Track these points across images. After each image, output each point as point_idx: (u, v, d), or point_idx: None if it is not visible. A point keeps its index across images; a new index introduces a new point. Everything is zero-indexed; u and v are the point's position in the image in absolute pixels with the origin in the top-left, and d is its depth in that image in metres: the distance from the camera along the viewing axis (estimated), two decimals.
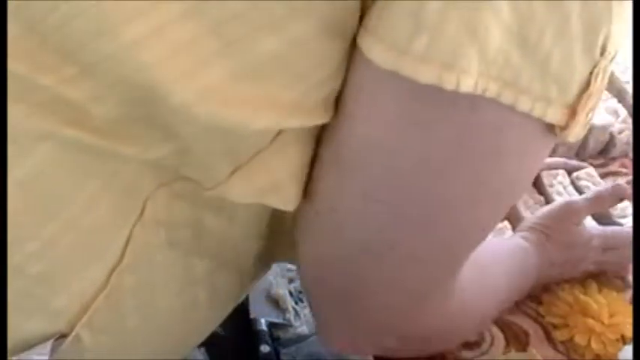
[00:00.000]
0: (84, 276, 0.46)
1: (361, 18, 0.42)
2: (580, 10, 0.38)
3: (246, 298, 0.76)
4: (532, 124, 0.42)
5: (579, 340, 0.70)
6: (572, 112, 0.41)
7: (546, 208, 0.75)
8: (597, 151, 0.92)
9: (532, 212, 0.78)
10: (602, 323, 0.71)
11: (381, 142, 0.43)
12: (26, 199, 0.43)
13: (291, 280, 0.79)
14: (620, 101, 0.93)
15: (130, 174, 0.45)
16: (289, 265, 0.79)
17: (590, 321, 0.71)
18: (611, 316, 0.71)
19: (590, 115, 0.43)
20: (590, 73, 0.41)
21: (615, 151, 0.92)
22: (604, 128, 0.90)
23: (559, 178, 0.84)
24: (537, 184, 0.83)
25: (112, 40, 0.40)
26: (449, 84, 0.39)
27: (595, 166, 0.90)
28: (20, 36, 0.41)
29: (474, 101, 0.40)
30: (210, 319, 0.56)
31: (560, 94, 0.40)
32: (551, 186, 0.83)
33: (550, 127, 0.42)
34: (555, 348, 0.70)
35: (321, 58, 0.42)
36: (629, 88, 0.94)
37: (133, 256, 0.46)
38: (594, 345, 0.70)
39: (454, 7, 0.38)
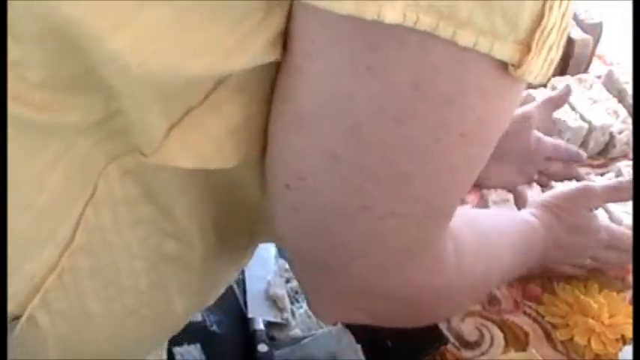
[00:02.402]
0: (33, 257, 0.45)
1: None
2: None
3: (244, 298, 0.76)
4: (487, 63, 0.39)
5: (579, 340, 0.70)
6: (527, 48, 0.39)
7: (562, 189, 0.73)
8: (597, 152, 0.92)
9: None
10: (602, 323, 0.71)
11: (335, 94, 0.41)
12: None
13: (287, 281, 0.79)
14: (620, 101, 0.93)
15: (78, 150, 0.43)
16: (287, 266, 0.78)
17: (590, 321, 0.70)
18: (611, 316, 0.71)
19: (551, 53, 0.40)
20: (543, 6, 0.38)
21: (615, 152, 0.91)
22: (604, 128, 0.90)
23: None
24: None
25: None
26: (369, 14, 0.36)
27: (595, 167, 0.90)
28: None
29: (423, 41, 0.38)
30: (184, 305, 0.54)
31: (509, 29, 0.38)
32: None
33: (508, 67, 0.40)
34: (555, 348, 0.70)
35: None
36: (629, 88, 0.94)
37: (85, 236, 0.45)
38: (594, 345, 0.70)
39: None
